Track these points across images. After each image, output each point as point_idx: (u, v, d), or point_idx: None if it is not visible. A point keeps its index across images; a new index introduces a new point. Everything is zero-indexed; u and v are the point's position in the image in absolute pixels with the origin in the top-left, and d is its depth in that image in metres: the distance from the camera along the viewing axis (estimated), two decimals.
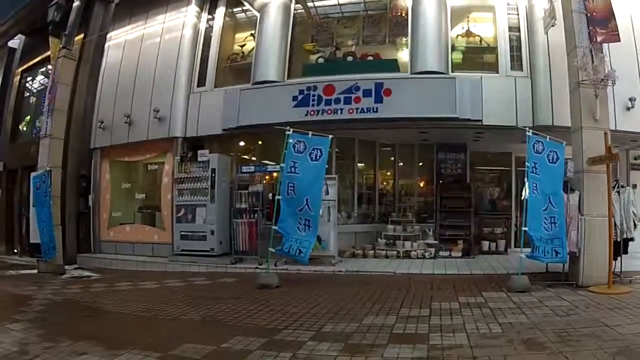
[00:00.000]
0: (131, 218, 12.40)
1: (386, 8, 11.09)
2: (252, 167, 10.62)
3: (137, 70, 12.07)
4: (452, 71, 9.95)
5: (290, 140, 7.80)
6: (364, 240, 10.94)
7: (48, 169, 10.35)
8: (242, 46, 11.80)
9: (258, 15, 11.13)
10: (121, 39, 12.74)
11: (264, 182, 10.42)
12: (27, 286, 8.37)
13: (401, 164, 12.48)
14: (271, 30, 10.81)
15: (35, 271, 10.36)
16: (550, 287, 6.78)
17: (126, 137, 11.91)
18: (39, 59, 14.89)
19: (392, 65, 10.53)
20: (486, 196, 12.00)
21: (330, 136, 8.05)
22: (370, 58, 10.77)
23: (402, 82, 9.73)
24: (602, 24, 7.30)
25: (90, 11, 12.57)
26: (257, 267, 9.00)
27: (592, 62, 7.15)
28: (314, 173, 7.84)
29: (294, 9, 11.17)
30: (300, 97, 9.94)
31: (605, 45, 7.51)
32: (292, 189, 7.72)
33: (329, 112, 9.74)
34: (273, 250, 7.71)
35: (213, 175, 10.32)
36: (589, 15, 7.34)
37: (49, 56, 12.15)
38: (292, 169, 7.77)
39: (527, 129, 7.36)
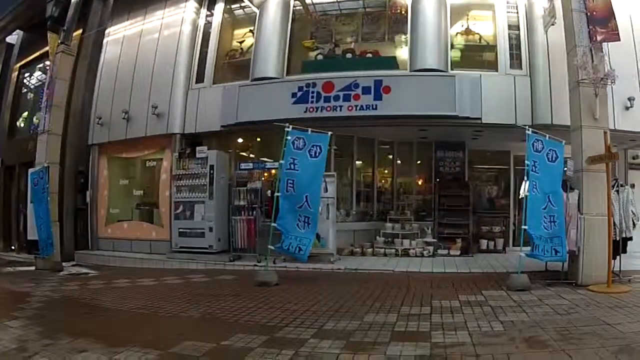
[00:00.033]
0: (129, 215, 12.35)
1: (385, 5, 11.05)
2: (251, 164, 10.59)
3: (136, 66, 12.01)
4: (452, 69, 9.95)
5: (290, 137, 7.77)
6: (363, 238, 10.93)
7: (46, 165, 10.26)
8: (241, 42, 11.74)
9: (257, 11, 11.08)
10: (119, 34, 12.67)
11: (263, 179, 10.39)
12: (25, 283, 8.32)
13: (400, 161, 12.47)
14: (270, 26, 10.76)
15: (33, 268, 10.31)
16: (549, 286, 6.80)
17: (124, 133, 11.84)
18: (37, 54, 14.82)
19: (392, 63, 10.50)
20: (484, 194, 12.05)
21: (330, 133, 8.05)
22: (370, 55, 10.74)
23: (401, 79, 9.70)
24: (602, 23, 7.31)
25: (88, 7, 12.49)
26: (255, 265, 9.00)
27: (592, 61, 7.16)
28: (313, 170, 7.82)
29: (293, 6, 11.11)
30: (299, 93, 9.90)
31: (605, 44, 7.51)
32: (291, 185, 7.69)
33: (328, 109, 9.70)
34: (273, 247, 7.68)
35: (211, 172, 10.27)
36: (589, 14, 7.35)
37: (47, 52, 12.10)
38: (292, 166, 7.74)
39: (527, 127, 7.37)
